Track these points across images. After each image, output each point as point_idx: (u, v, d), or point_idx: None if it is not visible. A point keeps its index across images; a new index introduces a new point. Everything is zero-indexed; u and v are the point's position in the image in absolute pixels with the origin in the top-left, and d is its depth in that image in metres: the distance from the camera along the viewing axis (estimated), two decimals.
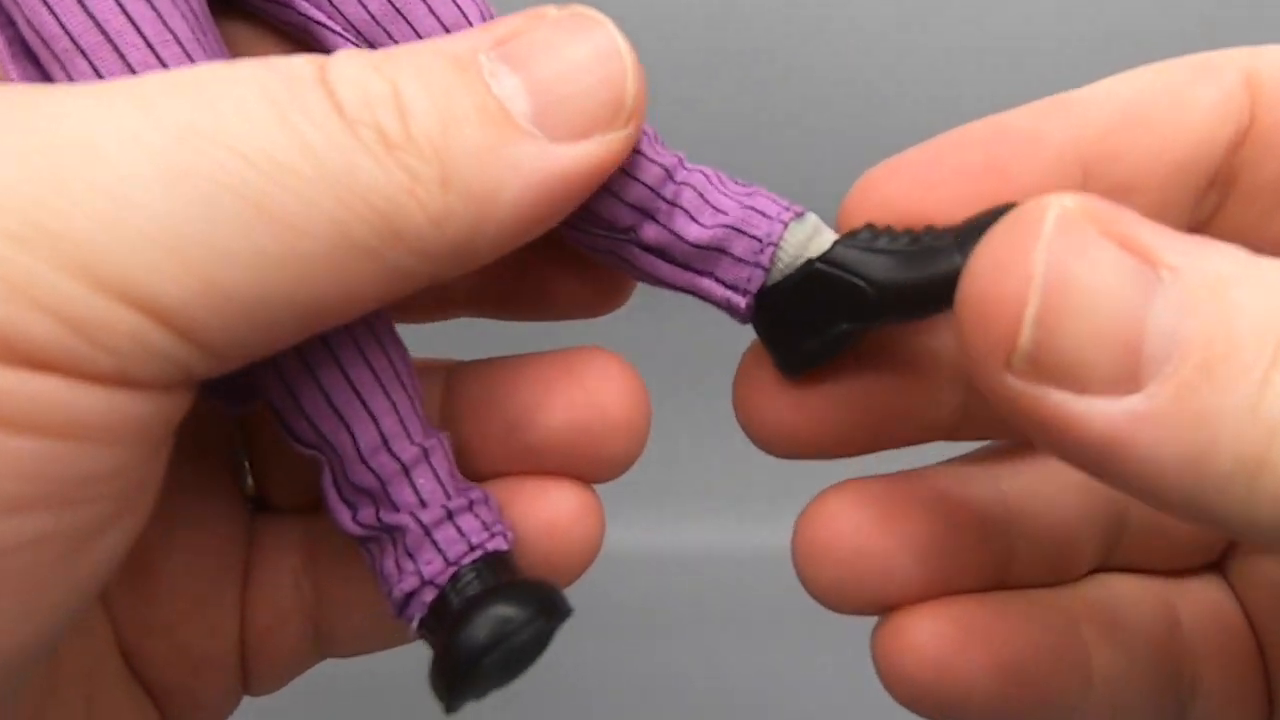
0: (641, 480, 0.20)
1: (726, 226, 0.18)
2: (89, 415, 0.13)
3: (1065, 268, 0.13)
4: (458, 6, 0.17)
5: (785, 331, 0.18)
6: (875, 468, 0.21)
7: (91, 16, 0.15)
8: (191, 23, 0.16)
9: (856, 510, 0.19)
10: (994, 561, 0.20)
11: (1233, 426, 0.13)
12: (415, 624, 0.17)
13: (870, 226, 0.18)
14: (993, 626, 0.19)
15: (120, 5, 0.15)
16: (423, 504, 0.17)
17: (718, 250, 0.18)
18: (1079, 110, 0.18)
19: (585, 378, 0.19)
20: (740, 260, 0.18)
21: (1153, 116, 0.18)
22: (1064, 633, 0.20)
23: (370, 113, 0.14)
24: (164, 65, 0.16)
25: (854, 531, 0.19)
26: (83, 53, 0.15)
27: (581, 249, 0.19)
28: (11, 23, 0.16)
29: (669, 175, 0.18)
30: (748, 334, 0.19)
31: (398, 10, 0.17)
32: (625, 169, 0.18)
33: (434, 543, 0.17)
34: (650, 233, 0.18)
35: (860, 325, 0.17)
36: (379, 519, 0.17)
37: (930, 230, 0.17)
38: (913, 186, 0.18)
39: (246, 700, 0.22)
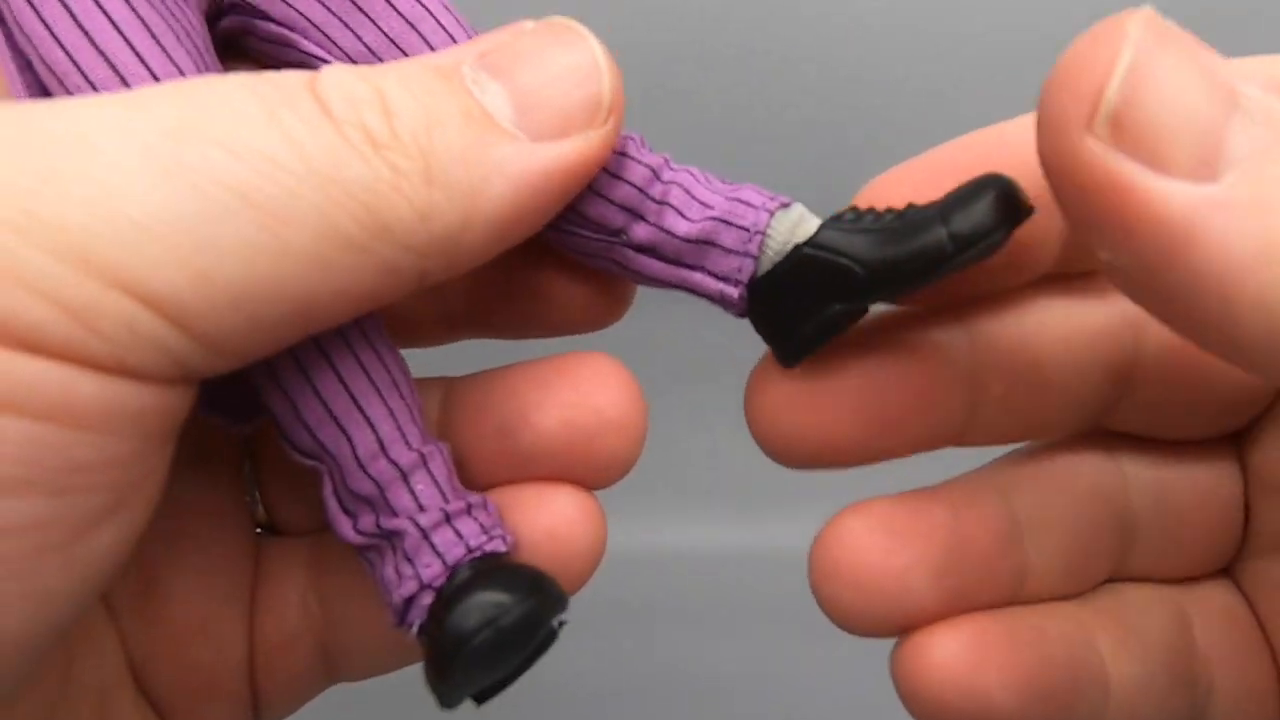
0: (641, 480, 0.20)
1: (714, 219, 0.18)
2: (84, 401, 0.14)
3: (1156, 48, 0.13)
4: (448, 34, 0.18)
5: (780, 319, 0.18)
6: (876, 481, 0.21)
7: (101, 52, 0.16)
8: (197, 59, 0.17)
9: (872, 533, 0.19)
10: (1009, 577, 0.20)
11: None
12: (415, 630, 0.17)
13: (854, 208, 0.18)
14: (1011, 643, 0.19)
15: (128, 42, 0.16)
16: (421, 508, 0.17)
17: (707, 243, 0.18)
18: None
19: (579, 380, 0.19)
20: (729, 251, 0.18)
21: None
22: (1081, 645, 0.20)
23: (356, 114, 0.15)
24: None
25: (871, 554, 0.19)
26: (93, 86, 0.16)
27: (575, 254, 0.19)
28: (31, 67, 0.16)
29: (655, 175, 0.18)
30: (745, 333, 0.20)
31: (393, 41, 0.18)
32: (612, 171, 0.18)
33: (432, 546, 0.17)
34: (641, 232, 0.18)
35: (853, 305, 0.18)
36: (378, 525, 0.18)
37: (913, 206, 0.17)
38: (917, 192, 0.18)
39: None
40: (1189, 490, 0.21)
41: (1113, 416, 0.20)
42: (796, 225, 0.18)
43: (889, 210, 0.18)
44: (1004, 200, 0.16)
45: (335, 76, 0.15)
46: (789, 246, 0.18)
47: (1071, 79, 0.14)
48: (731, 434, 0.20)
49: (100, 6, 0.16)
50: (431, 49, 0.18)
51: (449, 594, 0.17)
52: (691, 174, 0.19)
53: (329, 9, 0.18)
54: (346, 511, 0.18)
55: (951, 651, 0.19)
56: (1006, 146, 0.18)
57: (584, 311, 0.21)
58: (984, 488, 0.20)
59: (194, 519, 0.20)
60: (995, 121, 0.19)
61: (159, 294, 0.14)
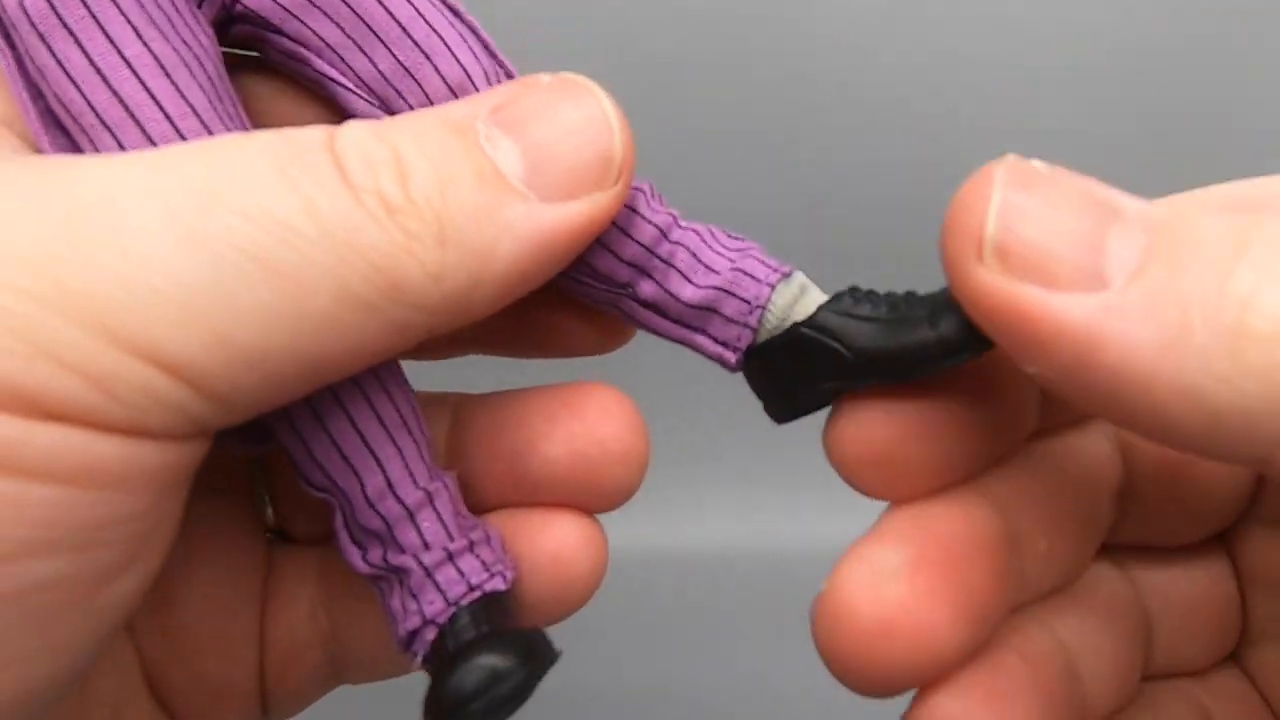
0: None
1: (717, 288, 0.19)
2: (105, 464, 0.14)
3: (1024, 177, 0.15)
4: (462, 68, 0.18)
5: (774, 385, 0.19)
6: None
7: (115, 93, 0.16)
8: (209, 92, 0.17)
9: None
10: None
11: (1202, 304, 0.14)
12: (419, 660, 0.18)
13: (853, 290, 0.19)
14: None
15: (142, 82, 0.16)
16: (426, 546, 0.18)
17: (709, 310, 0.19)
18: None
19: (585, 412, 0.20)
20: (730, 320, 0.19)
21: None
22: None
23: (373, 178, 0.15)
24: (183, 137, 0.16)
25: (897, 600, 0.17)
26: (107, 128, 0.16)
27: (582, 299, 0.20)
28: (43, 96, 0.17)
29: (663, 235, 0.19)
30: None
31: (408, 71, 0.18)
32: (622, 227, 0.19)
33: (435, 584, 0.18)
34: (647, 290, 0.19)
35: (842, 384, 0.18)
36: (385, 560, 0.18)
37: (910, 296, 0.18)
38: None
39: None
40: (1192, 588, 0.21)
41: (1112, 532, 0.21)
42: (797, 299, 0.19)
43: (887, 296, 0.18)
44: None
45: (353, 136, 0.16)
46: (787, 323, 0.19)
47: (957, 222, 0.15)
48: (731, 435, 0.20)
49: (113, 43, 0.16)
50: (444, 80, 0.18)
51: (453, 649, 0.17)
52: (698, 234, 0.19)
53: (344, 31, 0.18)
54: (356, 543, 0.18)
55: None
56: None
57: (589, 340, 0.21)
58: (1030, 622, 0.20)
59: (207, 530, 0.21)
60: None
61: (177, 358, 0.14)
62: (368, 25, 0.18)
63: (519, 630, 0.18)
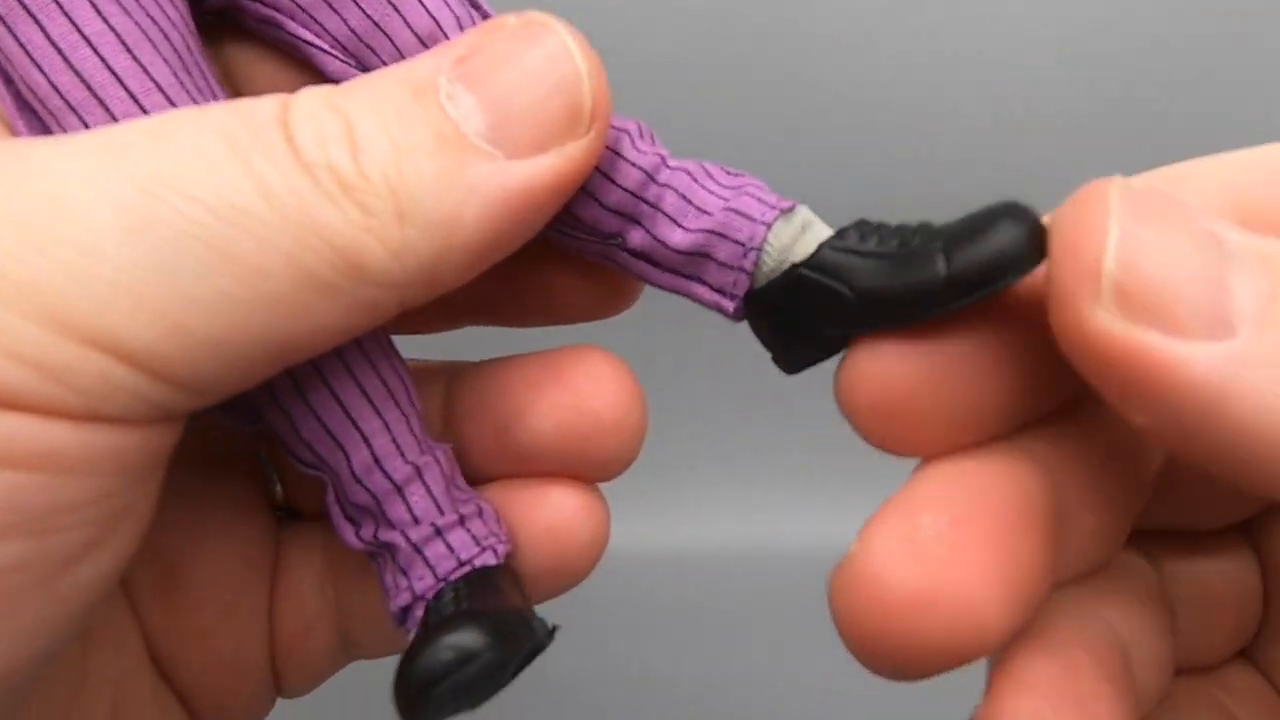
0: (642, 479, 0.20)
1: (709, 231, 0.18)
2: (61, 448, 0.14)
3: (1141, 216, 0.13)
4: (431, 16, 0.17)
5: (777, 333, 0.18)
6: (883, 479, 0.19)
7: (78, 73, 0.16)
8: (176, 66, 0.16)
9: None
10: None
11: None
12: (412, 636, 0.18)
13: (860, 224, 0.17)
14: None
15: (103, 60, 0.16)
16: (415, 521, 0.18)
17: (702, 255, 0.18)
18: (1225, 176, 0.17)
19: (574, 379, 0.19)
20: (725, 265, 0.18)
21: None
22: None
23: (324, 153, 0.15)
24: (146, 114, 0.16)
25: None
26: (72, 109, 0.16)
27: (574, 253, 0.19)
28: (6, 74, 0.16)
29: (650, 177, 0.18)
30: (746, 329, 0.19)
31: (377, 25, 0.17)
32: (605, 172, 0.18)
33: (424, 559, 0.18)
34: (636, 238, 0.18)
35: (847, 329, 0.17)
36: (376, 537, 0.18)
37: (924, 228, 0.16)
38: None
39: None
40: (1214, 577, 0.20)
41: (1141, 513, 0.19)
42: (798, 236, 0.17)
43: (899, 228, 0.17)
44: (1016, 242, 0.15)
45: (306, 107, 0.15)
46: (786, 263, 0.17)
47: (1068, 257, 0.13)
48: (733, 432, 0.20)
49: (73, 22, 0.16)
50: (413, 32, 0.17)
51: (433, 623, 0.17)
52: (689, 173, 0.18)
53: None
54: (349, 519, 0.18)
55: None
56: None
57: (590, 302, 0.20)
58: (1077, 607, 0.18)
59: (214, 508, 0.21)
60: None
61: (133, 348, 0.14)
62: None
63: (499, 609, 0.17)
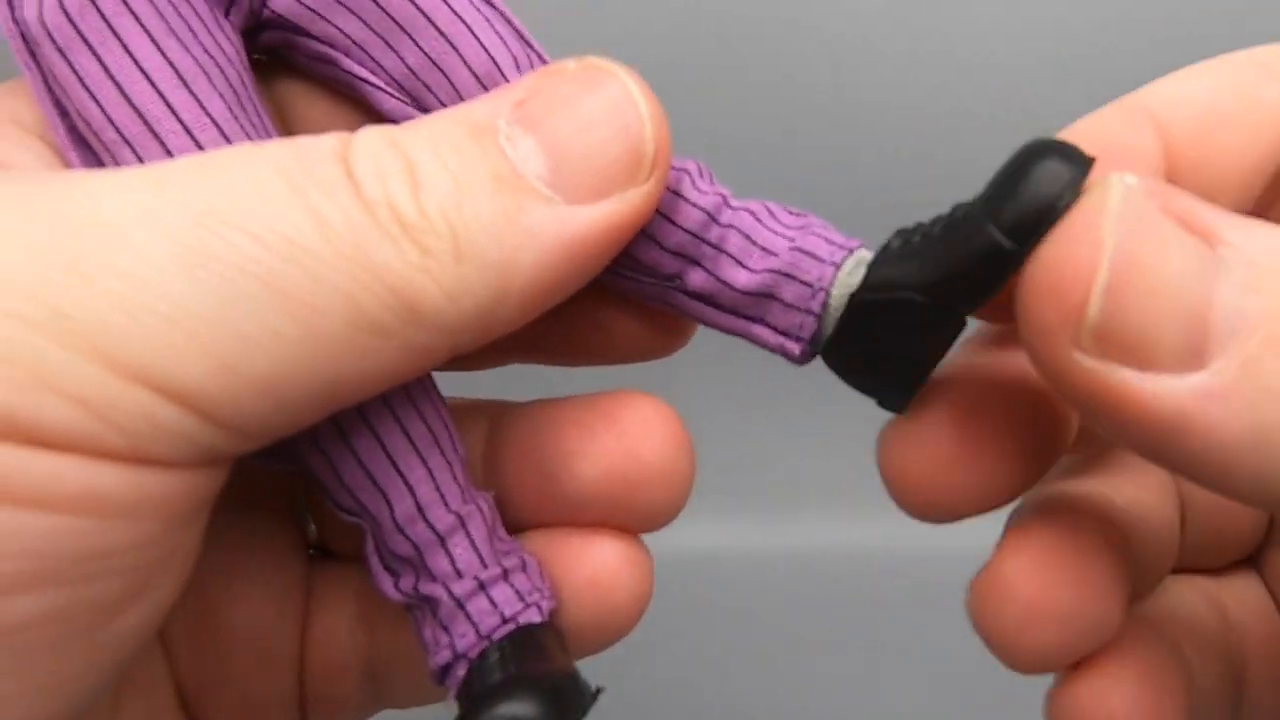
0: None
1: (775, 271, 0.17)
2: (107, 492, 0.14)
3: (1134, 242, 0.13)
4: (489, 55, 0.17)
5: (868, 372, 0.17)
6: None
7: (133, 106, 0.16)
8: (231, 101, 0.16)
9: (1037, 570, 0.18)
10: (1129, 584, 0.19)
11: None
12: (452, 695, 0.17)
13: (900, 232, 0.17)
14: (1154, 674, 0.19)
15: (160, 94, 0.16)
16: (458, 574, 0.17)
17: (767, 296, 0.17)
18: (1161, 116, 0.17)
19: (624, 425, 0.19)
20: (791, 306, 0.17)
21: (1229, 122, 0.17)
22: (1175, 652, 0.19)
23: (385, 191, 0.14)
24: (201, 149, 0.16)
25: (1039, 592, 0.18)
26: (127, 142, 0.16)
27: (630, 295, 0.19)
28: (68, 112, 0.16)
29: (712, 218, 0.17)
30: None
31: (434, 63, 0.17)
32: (665, 214, 0.17)
33: (467, 615, 0.17)
34: (696, 279, 0.18)
35: (933, 333, 0.16)
36: (416, 589, 0.17)
37: (959, 205, 0.16)
38: None
39: None
40: None
41: None
42: (852, 272, 0.17)
43: (937, 218, 0.16)
44: (1053, 169, 0.15)
45: (367, 145, 0.15)
46: (845, 299, 0.17)
47: (1051, 299, 0.14)
48: (741, 434, 0.19)
49: (130, 54, 0.16)
50: (471, 71, 0.17)
51: (478, 691, 0.16)
52: (753, 213, 0.18)
53: (369, 27, 0.17)
54: (388, 569, 0.18)
55: (1129, 695, 0.18)
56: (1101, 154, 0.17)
57: (642, 342, 0.20)
58: (1092, 491, 0.20)
59: (247, 549, 0.21)
60: (1003, 133, 0.18)
61: (182, 386, 0.13)
62: (393, 19, 0.17)
63: (549, 674, 0.17)
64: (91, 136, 0.16)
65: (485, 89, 0.17)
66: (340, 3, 0.17)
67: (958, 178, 0.18)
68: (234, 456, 0.15)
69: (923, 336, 0.16)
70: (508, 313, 0.15)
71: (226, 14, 0.17)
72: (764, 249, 0.17)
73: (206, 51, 0.16)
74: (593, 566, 0.19)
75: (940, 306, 0.16)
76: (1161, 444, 0.14)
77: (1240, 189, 0.17)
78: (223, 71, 0.17)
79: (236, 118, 0.16)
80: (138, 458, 0.14)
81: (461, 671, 0.17)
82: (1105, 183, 0.14)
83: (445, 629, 0.17)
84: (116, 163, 0.16)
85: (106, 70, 0.16)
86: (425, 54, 0.17)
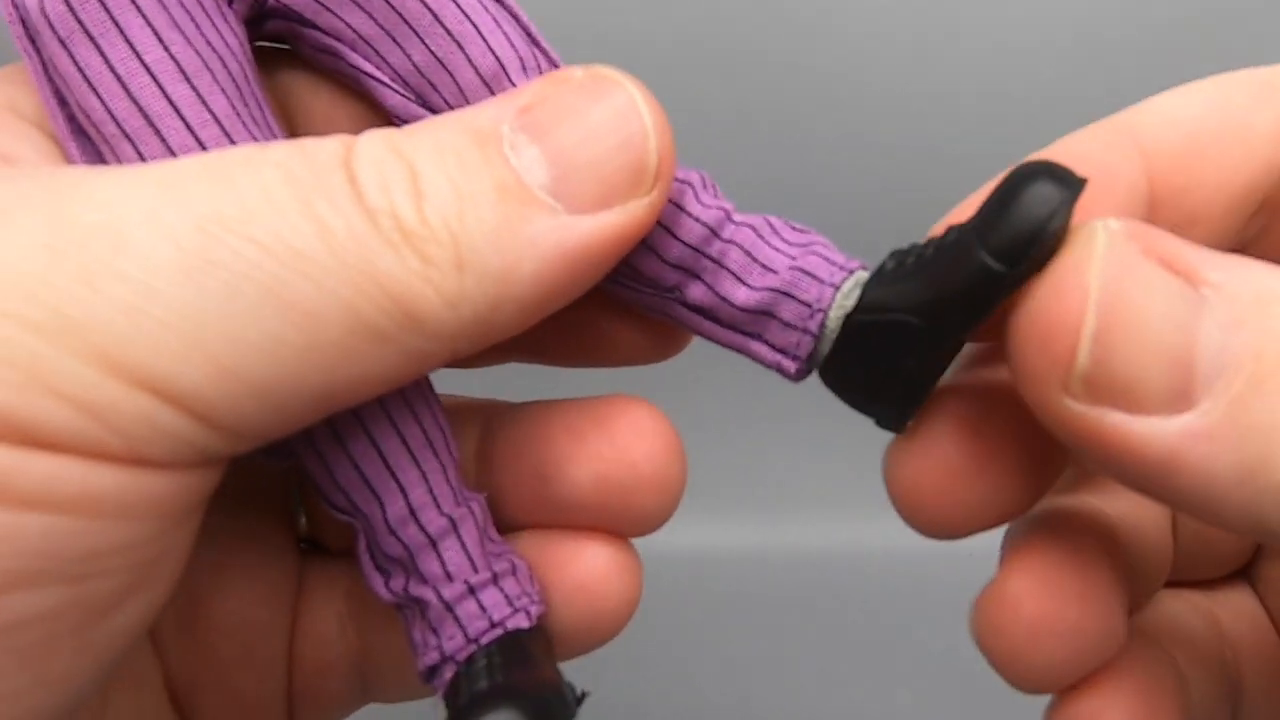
0: None
1: (775, 289, 0.17)
2: (103, 493, 0.14)
3: (1118, 288, 0.14)
4: (495, 56, 0.17)
5: (865, 392, 0.17)
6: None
7: (135, 101, 0.16)
8: (234, 96, 0.16)
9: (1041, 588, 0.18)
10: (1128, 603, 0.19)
11: None
12: (440, 695, 0.17)
13: (895, 253, 0.17)
14: (1150, 688, 0.19)
15: (162, 89, 0.16)
16: (448, 577, 0.17)
17: (765, 314, 0.17)
18: (1147, 138, 0.17)
19: (615, 430, 0.19)
20: (788, 325, 0.17)
21: (1218, 145, 0.17)
22: (1170, 665, 0.20)
23: (388, 199, 0.14)
24: (203, 147, 0.16)
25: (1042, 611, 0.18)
26: (127, 137, 0.16)
27: (629, 304, 0.19)
28: (68, 103, 0.16)
29: (714, 233, 0.17)
30: None
31: (440, 61, 0.17)
32: (667, 226, 0.17)
33: (456, 618, 0.17)
34: (696, 293, 0.18)
35: (928, 355, 0.16)
36: (407, 590, 0.17)
37: (952, 228, 0.16)
38: None
39: None
40: None
41: None
42: (850, 292, 0.17)
43: (930, 240, 0.16)
44: (1043, 191, 0.15)
45: (370, 152, 0.15)
46: (840, 320, 0.17)
47: (1041, 347, 0.14)
48: (736, 434, 0.19)
49: (133, 49, 0.16)
50: (476, 71, 0.17)
51: (464, 699, 0.17)
52: (755, 229, 0.18)
53: (377, 23, 0.17)
54: (380, 569, 0.18)
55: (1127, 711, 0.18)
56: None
57: (640, 348, 0.20)
58: (1088, 506, 0.20)
59: (237, 544, 0.21)
60: (1005, 139, 0.18)
61: (180, 390, 0.13)
62: (400, 14, 0.17)
63: (535, 684, 0.17)
64: (91, 129, 0.16)
65: (490, 91, 0.17)
66: None
67: (960, 187, 0.18)
68: (229, 457, 0.15)
69: (918, 358, 0.16)
70: (506, 320, 0.15)
71: (230, 3, 0.17)
72: (764, 266, 0.17)
73: (209, 44, 0.16)
74: (582, 570, 0.19)
75: (934, 328, 0.16)
76: (1153, 482, 0.14)
77: (1224, 215, 0.17)
78: (225, 65, 0.16)
79: (239, 114, 0.16)
80: (135, 459, 0.14)
81: (449, 673, 0.17)
82: (1089, 229, 0.14)
83: (434, 631, 0.17)
84: (117, 157, 0.16)
85: (108, 63, 0.16)
86: (431, 52, 0.17)
